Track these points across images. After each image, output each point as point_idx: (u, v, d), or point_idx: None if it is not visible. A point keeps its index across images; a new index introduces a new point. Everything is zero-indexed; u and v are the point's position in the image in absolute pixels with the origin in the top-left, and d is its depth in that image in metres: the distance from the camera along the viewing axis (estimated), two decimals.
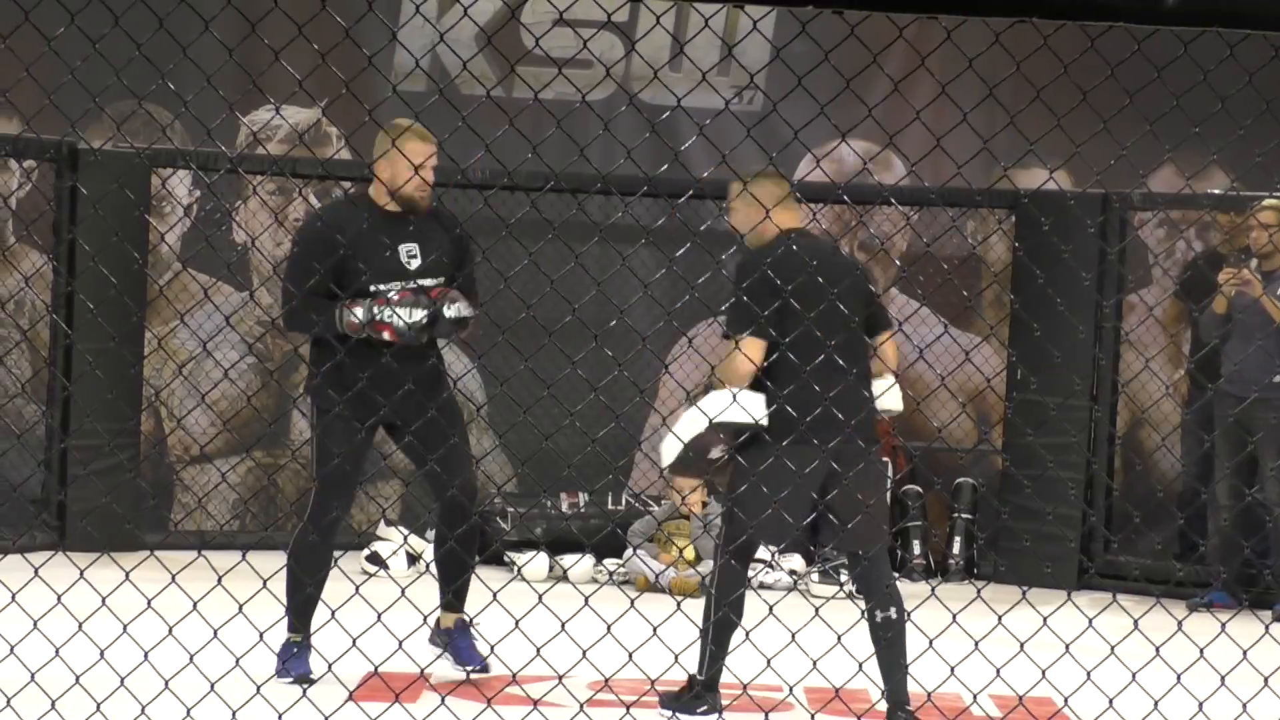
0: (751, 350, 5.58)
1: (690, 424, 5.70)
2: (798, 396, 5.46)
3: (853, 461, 5.57)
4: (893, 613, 5.59)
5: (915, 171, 10.35)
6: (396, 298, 6.01)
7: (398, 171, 6.08)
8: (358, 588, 4.72)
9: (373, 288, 6.05)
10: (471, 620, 6.23)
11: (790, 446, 5.52)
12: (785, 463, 5.50)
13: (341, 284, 5.94)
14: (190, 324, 9.80)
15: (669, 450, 5.80)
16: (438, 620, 6.40)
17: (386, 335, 5.97)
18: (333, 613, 4.83)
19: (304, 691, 4.88)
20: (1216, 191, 10.03)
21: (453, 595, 6.33)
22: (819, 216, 10.79)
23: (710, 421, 5.56)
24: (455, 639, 6.34)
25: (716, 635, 5.68)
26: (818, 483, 5.57)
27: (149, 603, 4.52)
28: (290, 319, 6.17)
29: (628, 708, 5.12)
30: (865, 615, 5.58)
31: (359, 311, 5.97)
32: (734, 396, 5.50)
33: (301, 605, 6.14)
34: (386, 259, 6.09)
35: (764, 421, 5.61)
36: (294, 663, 6.08)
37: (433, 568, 8.84)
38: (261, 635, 4.86)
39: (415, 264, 6.16)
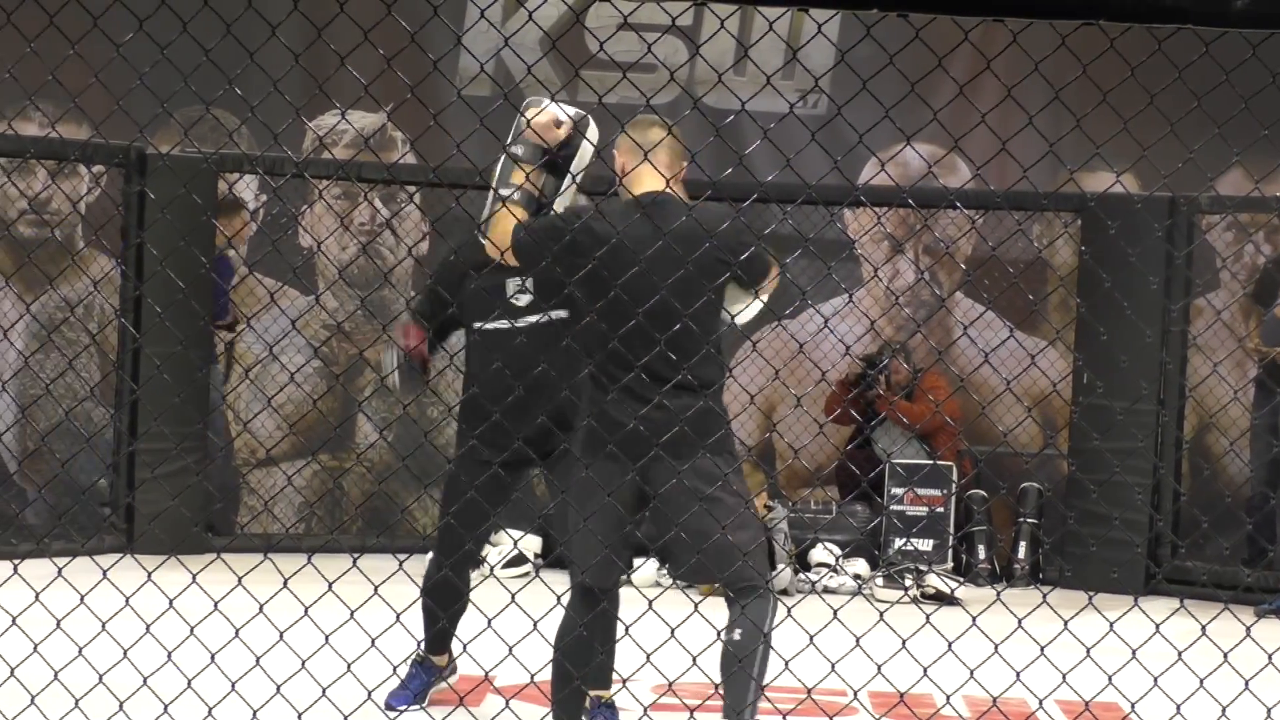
0: (507, 223, 4.99)
1: None
2: (602, 403, 5.01)
3: (662, 480, 4.96)
4: (737, 634, 5.00)
5: (981, 175, 10.31)
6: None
7: None
8: (423, 592, 4.73)
9: (476, 325, 5.96)
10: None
11: (592, 463, 5.01)
12: (590, 481, 4.99)
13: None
14: (256, 327, 9.86)
15: None
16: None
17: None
18: (398, 616, 4.84)
19: (369, 694, 4.90)
20: None
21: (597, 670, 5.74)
22: (884, 220, 10.77)
23: None
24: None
25: (559, 684, 5.20)
26: (627, 504, 5.03)
27: (215, 605, 4.55)
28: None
29: (691, 711, 5.11)
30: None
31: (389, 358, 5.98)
32: None
33: (432, 632, 6.04)
34: (490, 293, 5.89)
35: None
36: (403, 689, 6.03)
37: (499, 571, 8.91)
38: (327, 638, 4.88)
39: (524, 299, 5.91)
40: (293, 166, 9.66)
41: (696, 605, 4.97)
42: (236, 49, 4.38)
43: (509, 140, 5.14)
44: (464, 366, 6.11)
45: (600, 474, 4.95)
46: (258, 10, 4.29)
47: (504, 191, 5.00)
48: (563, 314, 5.86)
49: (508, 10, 10.79)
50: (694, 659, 4.87)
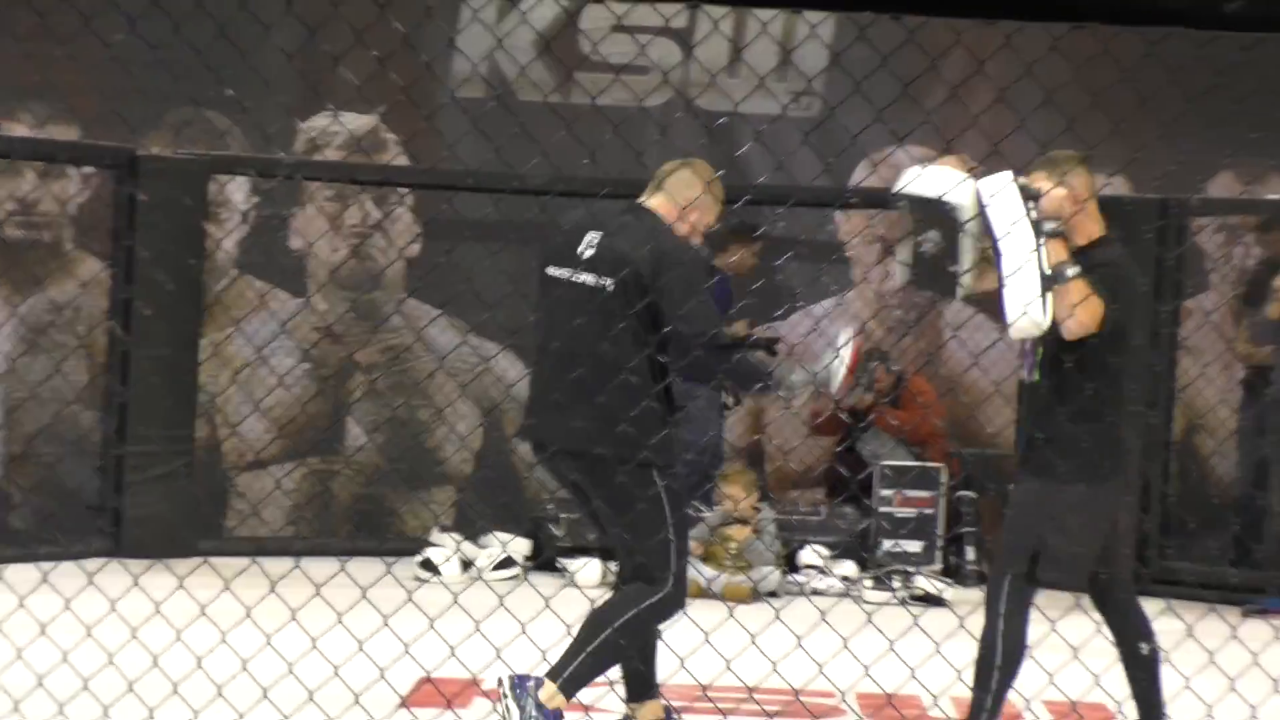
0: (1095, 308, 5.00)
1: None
2: (1113, 428, 5.13)
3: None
4: (1145, 648, 5.22)
5: (973, 177, 10.31)
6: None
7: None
8: (410, 594, 4.74)
9: (549, 269, 5.36)
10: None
11: (1104, 485, 5.14)
12: (1095, 502, 5.12)
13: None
14: (246, 330, 9.85)
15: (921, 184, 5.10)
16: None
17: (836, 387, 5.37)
18: (385, 619, 4.85)
19: (356, 698, 4.90)
20: (1275, 197, 9.95)
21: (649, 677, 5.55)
22: (875, 222, 10.77)
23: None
24: None
25: (1004, 675, 5.07)
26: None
27: (202, 610, 4.55)
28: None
29: (678, 713, 5.13)
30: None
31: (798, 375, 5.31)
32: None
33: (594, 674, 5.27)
34: (568, 235, 5.42)
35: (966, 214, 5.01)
36: None
37: (487, 575, 8.91)
38: (314, 641, 4.89)
39: (589, 251, 5.30)
40: (285, 168, 9.63)
41: (731, 611, 5.00)
42: (229, 49, 4.38)
43: (1029, 216, 4.98)
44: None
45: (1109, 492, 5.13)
46: (251, 11, 4.29)
47: (1070, 272, 4.94)
48: (610, 284, 5.20)
49: (501, 12, 10.78)
50: (681, 661, 4.88)
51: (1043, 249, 4.88)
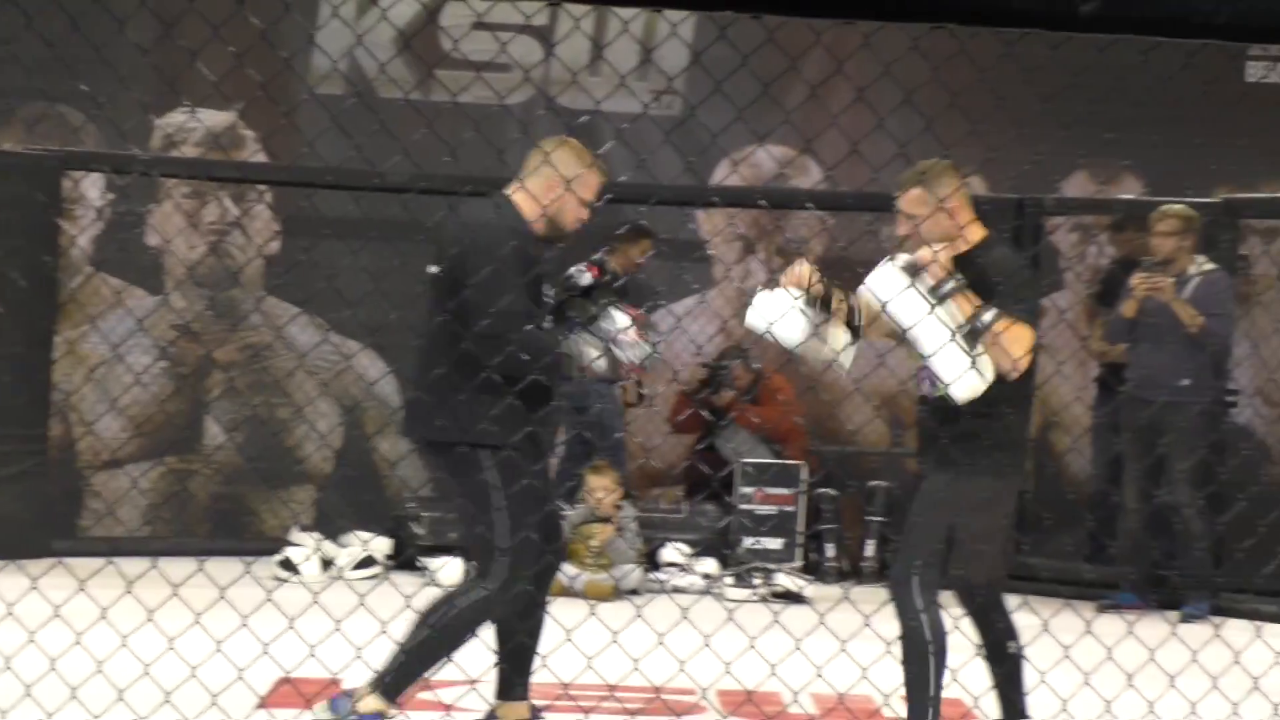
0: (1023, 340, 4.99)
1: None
2: (1019, 424, 5.20)
3: None
4: (1013, 646, 5.23)
5: (832, 175, 10.38)
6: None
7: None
8: (269, 594, 4.70)
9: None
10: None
11: (1010, 480, 5.20)
12: (1001, 496, 5.18)
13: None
14: (102, 328, 9.72)
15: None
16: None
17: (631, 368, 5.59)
18: (244, 619, 4.80)
19: (214, 699, 4.85)
20: (1128, 196, 10.10)
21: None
22: (736, 220, 10.82)
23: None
24: None
25: (938, 672, 5.00)
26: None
27: (56, 611, 4.48)
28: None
29: (539, 711, 5.12)
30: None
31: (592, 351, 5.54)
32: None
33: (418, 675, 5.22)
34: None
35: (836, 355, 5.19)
36: None
37: (347, 574, 8.86)
38: (171, 642, 4.83)
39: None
40: (141, 164, 9.50)
41: (592, 609, 5.00)
42: (82, 44, 4.32)
43: (924, 290, 4.96)
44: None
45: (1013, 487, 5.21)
46: (105, 5, 4.23)
47: (988, 317, 4.90)
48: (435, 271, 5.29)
49: (361, 8, 10.71)
50: (543, 660, 4.87)
51: (951, 311, 4.92)
